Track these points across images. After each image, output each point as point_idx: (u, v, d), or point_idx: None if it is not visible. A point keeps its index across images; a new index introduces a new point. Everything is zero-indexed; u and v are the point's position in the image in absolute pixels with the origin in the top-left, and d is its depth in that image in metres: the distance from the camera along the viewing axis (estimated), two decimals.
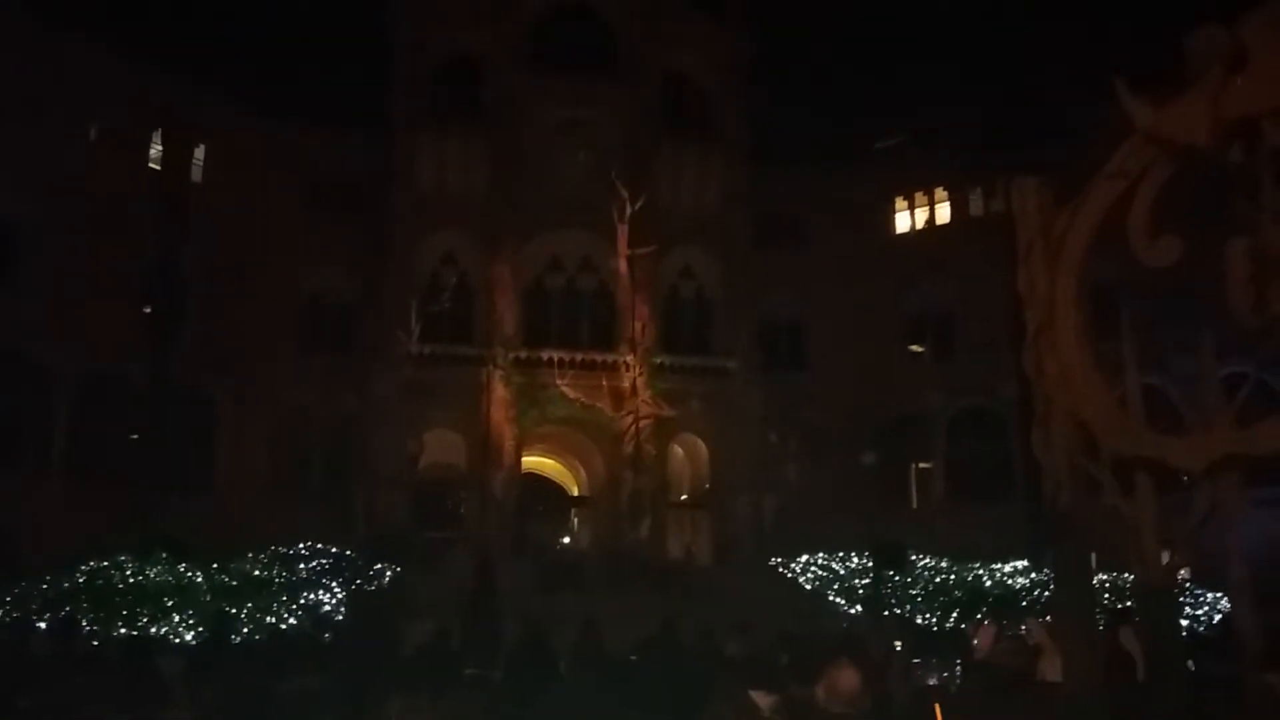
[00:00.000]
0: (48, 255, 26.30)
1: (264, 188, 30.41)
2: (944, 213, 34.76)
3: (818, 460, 33.04)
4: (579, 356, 29.77)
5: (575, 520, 33.05)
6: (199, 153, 30.37)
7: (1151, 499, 5.17)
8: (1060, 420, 5.43)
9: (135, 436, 26.74)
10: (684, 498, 32.26)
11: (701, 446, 31.23)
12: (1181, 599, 19.55)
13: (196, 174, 30.23)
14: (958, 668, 10.18)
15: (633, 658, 10.56)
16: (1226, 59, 4.96)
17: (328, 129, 31.51)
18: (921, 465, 33.39)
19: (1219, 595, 19.29)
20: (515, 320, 29.96)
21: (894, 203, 35.32)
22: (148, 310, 27.94)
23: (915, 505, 33.27)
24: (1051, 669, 5.07)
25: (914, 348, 34.49)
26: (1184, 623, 18.86)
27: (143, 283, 27.94)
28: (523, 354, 29.33)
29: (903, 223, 35.37)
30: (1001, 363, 25.51)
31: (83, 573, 18.57)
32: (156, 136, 29.53)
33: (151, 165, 29.40)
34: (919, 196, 35.14)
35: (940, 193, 34.78)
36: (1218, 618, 19.12)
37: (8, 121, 25.63)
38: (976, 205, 33.82)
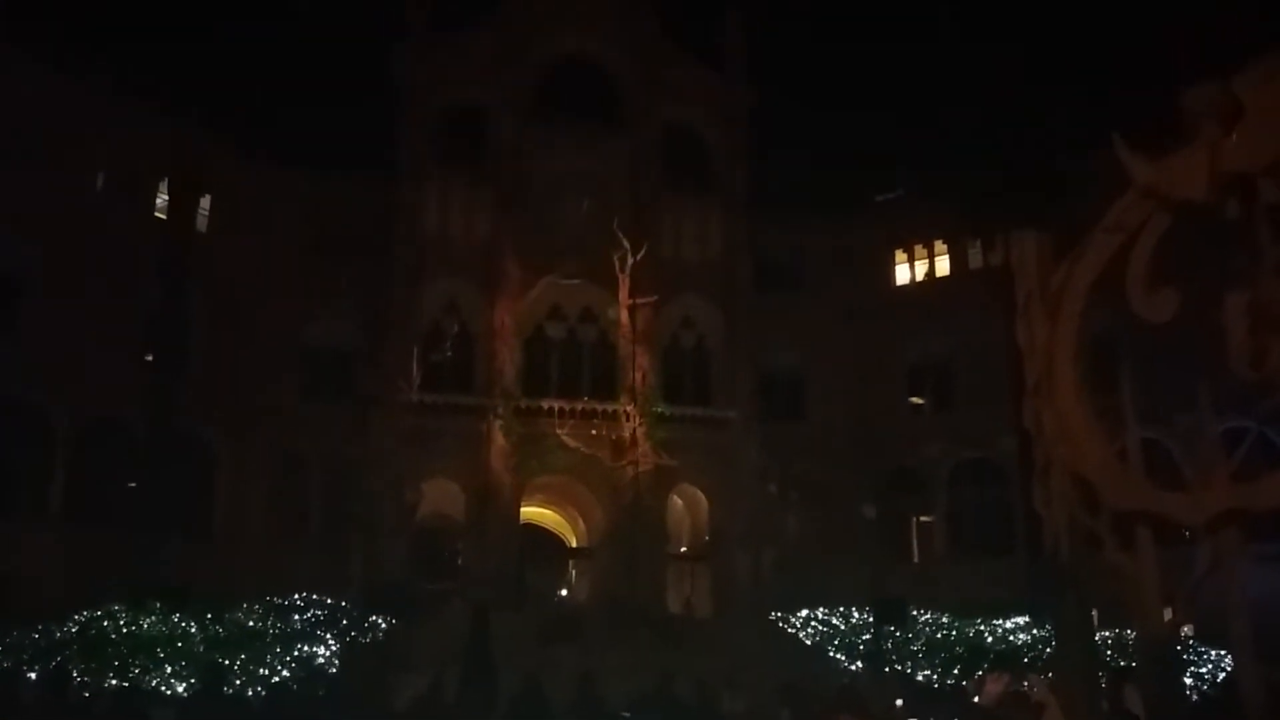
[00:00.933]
0: (50, 301, 26.39)
1: (268, 235, 30.59)
2: (943, 265, 34.96)
3: (817, 511, 32.88)
4: (579, 406, 29.79)
5: (574, 572, 32.81)
6: (205, 202, 30.58)
7: (1152, 554, 5.13)
8: (1060, 474, 5.40)
9: (133, 484, 26.62)
10: (683, 549, 32.05)
11: (701, 498, 31.09)
12: (1185, 656, 19.34)
13: (201, 223, 30.41)
14: None
15: (625, 715, 10.42)
16: (1223, 115, 5.02)
17: (333, 177, 31.79)
18: (922, 518, 33.21)
19: (1222, 653, 19.07)
20: (515, 369, 30.00)
21: (894, 254, 35.53)
22: (149, 358, 27.95)
23: (916, 559, 33.06)
24: None
25: (914, 399, 34.47)
26: (1187, 680, 18.64)
27: (145, 330, 28.02)
28: (523, 403, 29.32)
29: (902, 274, 35.54)
30: (1001, 414, 25.48)
31: (75, 622, 18.40)
32: (163, 186, 29.77)
33: (157, 214, 29.61)
34: (918, 248, 35.36)
35: (939, 245, 35.00)
36: (1221, 675, 18.88)
37: (14, 168, 25.87)
38: (975, 258, 34.03)
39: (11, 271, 26.36)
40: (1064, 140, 28.52)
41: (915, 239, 35.24)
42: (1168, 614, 5.30)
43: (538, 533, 33.06)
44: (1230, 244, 5.16)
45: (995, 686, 8.42)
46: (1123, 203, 5.43)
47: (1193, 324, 5.11)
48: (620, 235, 30.10)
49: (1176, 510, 5.03)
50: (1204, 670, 19.73)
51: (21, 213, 25.72)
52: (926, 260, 35.30)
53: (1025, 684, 8.08)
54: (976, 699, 9.20)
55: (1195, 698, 16.10)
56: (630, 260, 30.29)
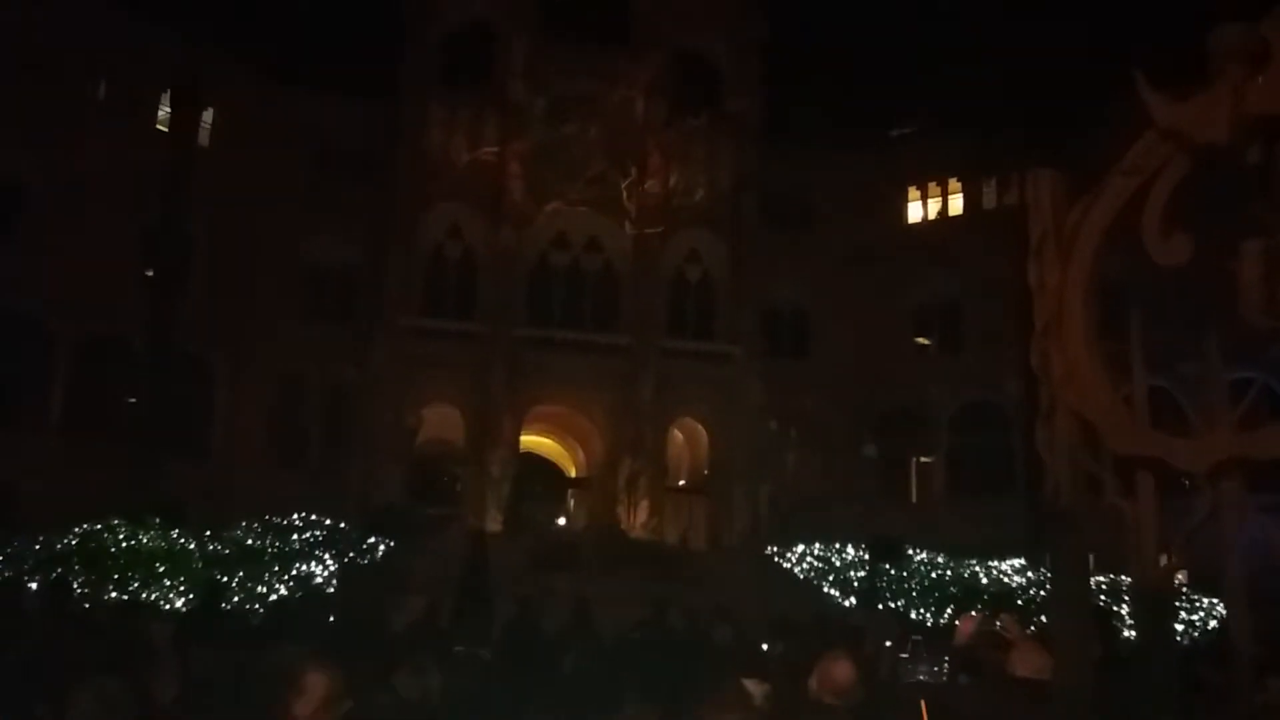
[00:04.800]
0: (51, 215, 26.24)
1: (271, 153, 30.17)
2: (957, 204, 34.58)
3: (818, 450, 32.94)
4: (582, 336, 29.71)
5: (571, 501, 33.02)
6: (207, 115, 30.17)
7: (1153, 500, 5.11)
8: (1064, 418, 5.36)
9: (133, 400, 26.69)
10: (681, 483, 32.23)
11: (701, 432, 31.17)
12: (1177, 602, 19.51)
13: (204, 137, 30.03)
14: (948, 663, 10.16)
15: (635, 635, 10.54)
16: (1249, 56, 4.87)
17: (338, 95, 31.29)
18: (923, 459, 33.30)
19: (1215, 600, 19.24)
20: (518, 297, 29.87)
21: (906, 192, 35.10)
22: (149, 273, 27.82)
23: (914, 499, 33.22)
24: (1022, 664, 5.06)
25: (920, 340, 34.36)
26: (1179, 627, 18.82)
27: (145, 245, 27.82)
28: (525, 331, 29.25)
29: (914, 212, 35.17)
30: (1007, 358, 25.45)
31: (76, 535, 18.57)
32: (165, 98, 29.38)
33: (159, 127, 29.25)
34: (932, 186, 34.93)
35: (954, 183, 34.56)
36: (1213, 623, 19.08)
37: (15, 79, 25.53)
38: (989, 198, 33.63)
39: (12, 182, 26.16)
40: (1086, 79, 28.00)
41: (929, 177, 34.78)
42: (1163, 560, 5.29)
43: (537, 461, 33.21)
44: (1250, 190, 5.04)
45: (967, 625, 8.54)
46: (1142, 144, 5.30)
47: (1204, 271, 5.02)
48: (628, 163, 29.71)
49: (1179, 457, 4.99)
50: (1195, 618, 19.93)
51: (22, 122, 25.43)
52: (940, 199, 34.90)
53: (998, 624, 8.17)
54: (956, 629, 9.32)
55: (1186, 643, 16.28)
56: (638, 189, 29.95)
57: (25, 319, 25.88)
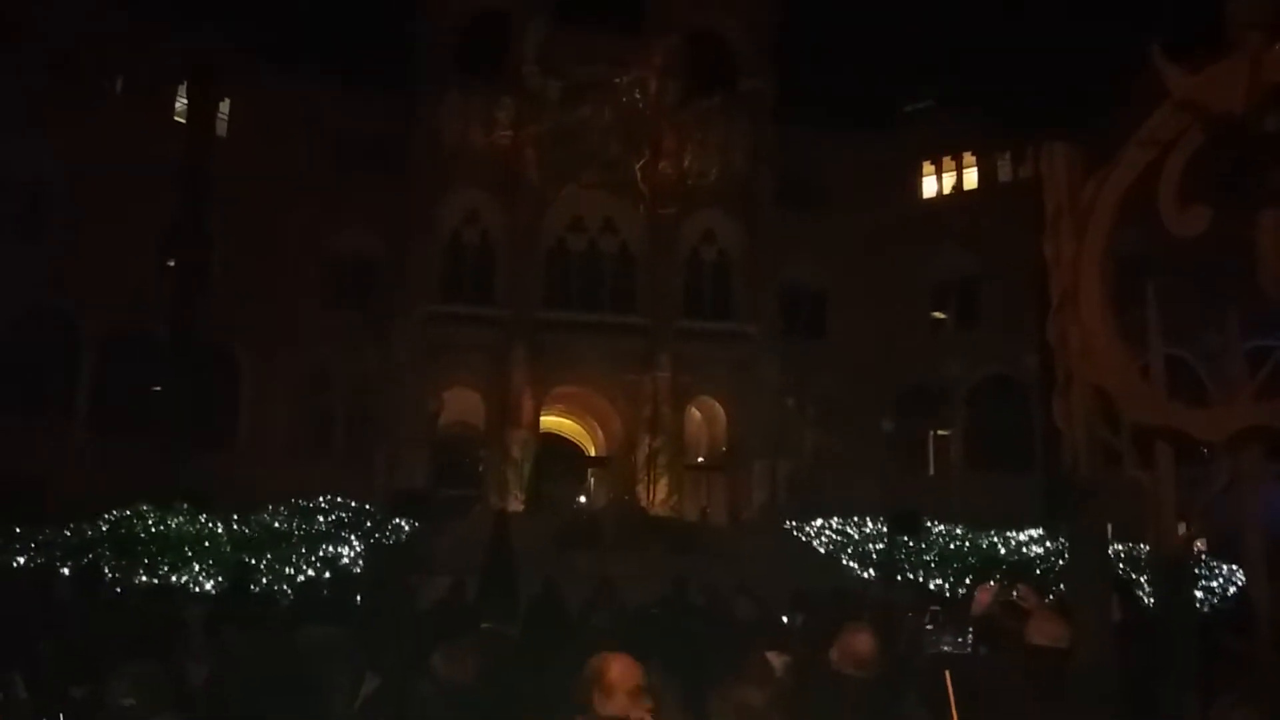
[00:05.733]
0: (72, 209, 26.51)
1: (289, 143, 30.33)
2: (971, 178, 34.39)
3: (835, 426, 32.95)
4: (599, 318, 29.81)
5: (592, 481, 33.21)
6: (224, 107, 30.29)
7: (1171, 470, 5.15)
8: (1082, 390, 5.40)
9: (158, 389, 26.98)
10: (700, 460, 32.34)
11: (719, 410, 31.25)
12: (1196, 570, 19.50)
13: (222, 129, 30.15)
14: (970, 633, 10.23)
15: (656, 610, 10.64)
16: (1267, 25, 4.87)
17: (354, 85, 31.41)
18: (940, 432, 33.29)
19: (1234, 568, 19.23)
20: (536, 280, 29.98)
21: (921, 167, 34.92)
22: (171, 264, 28.06)
23: (932, 472, 33.24)
24: (1040, 633, 5.13)
25: (936, 315, 34.26)
26: (1198, 594, 18.83)
27: (167, 237, 28.04)
28: (543, 314, 29.36)
29: (929, 188, 35.02)
30: (1024, 332, 25.35)
31: (106, 521, 18.85)
32: (182, 90, 29.50)
33: (177, 119, 29.39)
34: (946, 161, 34.74)
35: (968, 158, 34.37)
36: (1232, 590, 19.07)
37: (35, 75, 25.70)
38: (1005, 171, 33.43)
39: (35, 178, 26.44)
40: (1101, 51, 27.77)
41: (943, 151, 34.58)
42: (1182, 529, 5.33)
43: (557, 442, 33.39)
44: (1267, 160, 5.05)
45: (985, 596, 8.56)
46: (1158, 115, 5.31)
47: (1220, 242, 5.04)
48: (643, 145, 29.71)
49: (1197, 427, 5.03)
50: (1214, 585, 19.92)
51: (42, 122, 25.63)
52: (954, 173, 34.72)
53: (1015, 593, 8.20)
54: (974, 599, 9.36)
55: (1205, 611, 16.28)
56: (653, 171, 29.95)
57: (52, 315, 26.27)
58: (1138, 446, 5.32)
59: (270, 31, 30.65)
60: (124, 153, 26.40)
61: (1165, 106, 5.21)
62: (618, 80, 30.66)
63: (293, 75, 30.34)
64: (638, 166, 29.98)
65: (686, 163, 30.83)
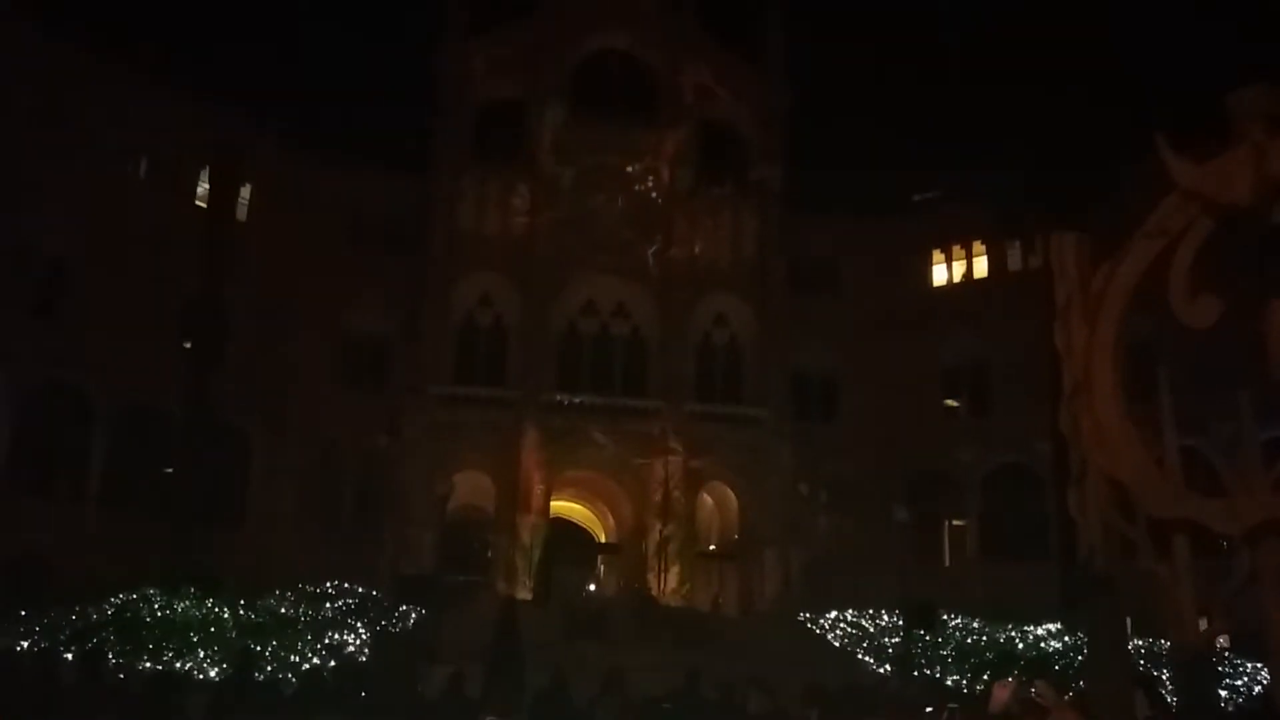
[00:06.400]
0: (92, 288, 26.90)
1: (307, 226, 30.86)
2: (982, 266, 34.60)
3: (848, 514, 32.67)
4: (611, 402, 29.83)
5: (602, 568, 32.85)
6: (245, 191, 30.88)
7: (1189, 563, 5.05)
8: (1096, 480, 5.33)
9: (169, 470, 26.99)
10: (712, 548, 32.00)
11: (731, 496, 31.03)
12: (1220, 668, 19.04)
13: (242, 212, 30.72)
14: None
15: (667, 704, 10.42)
16: (1269, 118, 4.93)
17: (371, 169, 32.07)
18: (955, 522, 32.92)
19: (1259, 665, 18.77)
20: (548, 363, 30.10)
21: (931, 255, 35.19)
22: (187, 345, 28.30)
23: (948, 562, 32.77)
24: None
25: (949, 402, 34.16)
26: (1222, 692, 18.36)
27: (184, 318, 28.37)
28: (555, 398, 29.40)
29: (939, 275, 35.22)
30: (1037, 419, 25.20)
31: (111, 605, 18.66)
32: (204, 175, 30.12)
33: (198, 202, 29.95)
34: (956, 249, 35.02)
35: (978, 246, 34.63)
36: (1257, 689, 18.58)
37: (60, 155, 26.30)
38: (1015, 260, 33.64)
39: (56, 254, 26.87)
40: (1107, 142, 28.16)
41: (953, 240, 34.90)
42: (1203, 624, 5.21)
43: (567, 527, 33.14)
44: (1274, 250, 5.07)
45: (1002, 693, 8.37)
46: (1165, 206, 5.34)
47: (1234, 331, 5.03)
48: (655, 230, 30.10)
49: (1215, 519, 4.94)
50: (1239, 683, 19.42)
51: (66, 196, 26.17)
52: (964, 261, 34.96)
53: (1033, 690, 8.01)
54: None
55: (1230, 709, 15.87)
56: (665, 256, 30.29)
57: (67, 391, 26.43)
58: (1155, 539, 5.23)
59: (292, 115, 31.35)
60: (145, 232, 26.92)
61: (1172, 198, 5.24)
62: (630, 168, 31.26)
63: (312, 158, 31.02)
64: (650, 252, 30.35)
65: (698, 248, 31.21)
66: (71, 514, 25.83)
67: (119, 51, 27.63)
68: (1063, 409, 5.59)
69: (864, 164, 36.18)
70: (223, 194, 29.49)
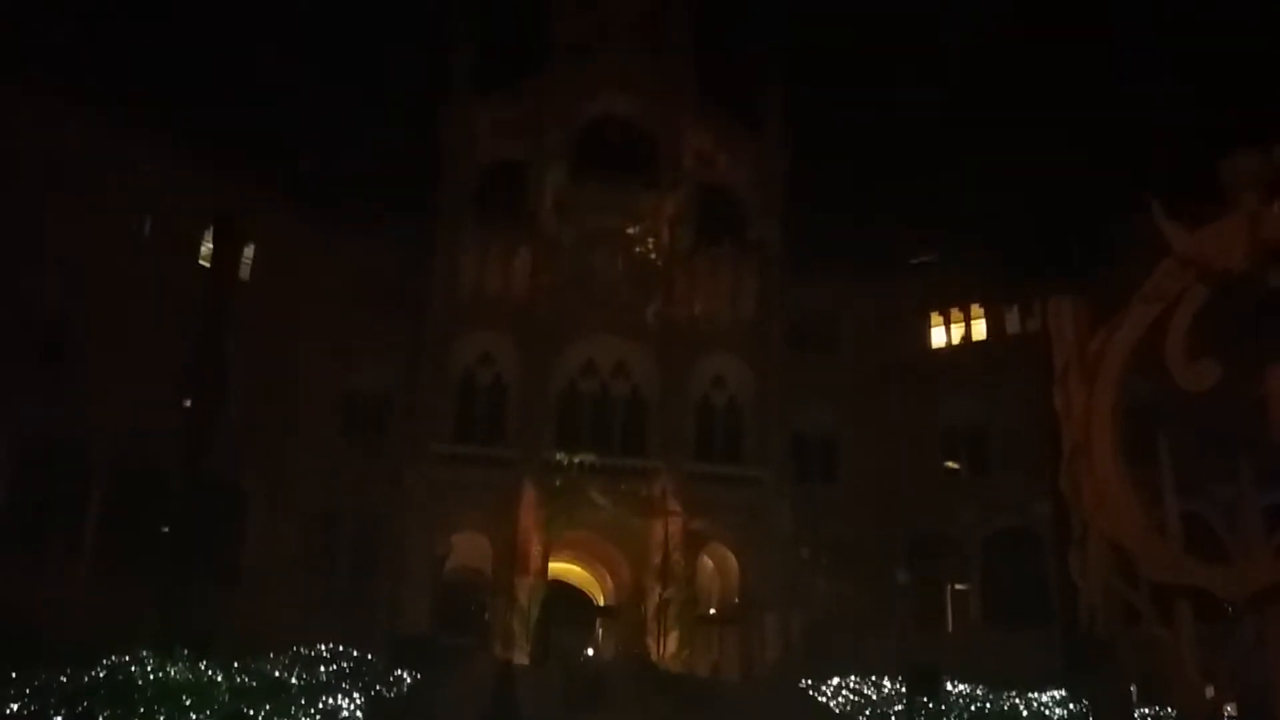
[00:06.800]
0: (94, 344, 26.92)
1: (309, 285, 31.07)
2: (980, 329, 34.73)
3: (850, 577, 32.36)
4: (610, 462, 29.71)
5: (600, 631, 32.48)
6: (248, 251, 31.09)
7: (1192, 629, 5.00)
8: (1097, 544, 5.30)
9: (166, 529, 26.80)
10: (712, 611, 31.65)
11: (731, 559, 30.78)
12: None
13: (245, 272, 30.90)
14: None
15: None
16: (1263, 184, 4.99)
17: (374, 229, 32.25)
18: (957, 585, 32.63)
19: None
20: (548, 422, 30.05)
21: (929, 317, 35.35)
22: (187, 403, 28.27)
23: (950, 627, 32.41)
24: None
25: (949, 464, 34.05)
26: None
27: (184, 377, 28.37)
28: (554, 457, 29.30)
29: (938, 337, 35.34)
30: (1038, 481, 25.11)
31: (103, 667, 18.40)
32: (208, 235, 30.33)
33: (201, 262, 30.13)
34: (954, 311, 35.18)
35: (976, 308, 34.81)
36: None
37: (65, 212, 26.53)
38: (1013, 322, 33.79)
39: (58, 311, 26.92)
40: (1103, 206, 28.45)
41: (951, 302, 35.09)
42: (1209, 691, 5.15)
43: (565, 590, 32.82)
44: (1271, 314, 5.10)
45: None
46: (1161, 271, 5.38)
47: (1234, 394, 5.04)
48: (654, 291, 30.28)
49: (1218, 585, 4.90)
50: None
51: (70, 255, 26.35)
52: (963, 323, 35.10)
53: None
54: None
55: None
56: (664, 316, 30.43)
57: (64, 448, 26.34)
58: (1157, 603, 5.18)
59: (296, 176, 31.62)
60: (148, 292, 27.08)
61: (1167, 262, 5.29)
62: (631, 229, 31.57)
63: (315, 217, 31.29)
64: (650, 311, 30.49)
65: (697, 308, 31.37)
66: (65, 573, 25.57)
67: (125, 110, 27.94)
68: (1063, 472, 5.58)
69: (862, 224, 36.47)
70: (226, 253, 29.71)
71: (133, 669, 18.36)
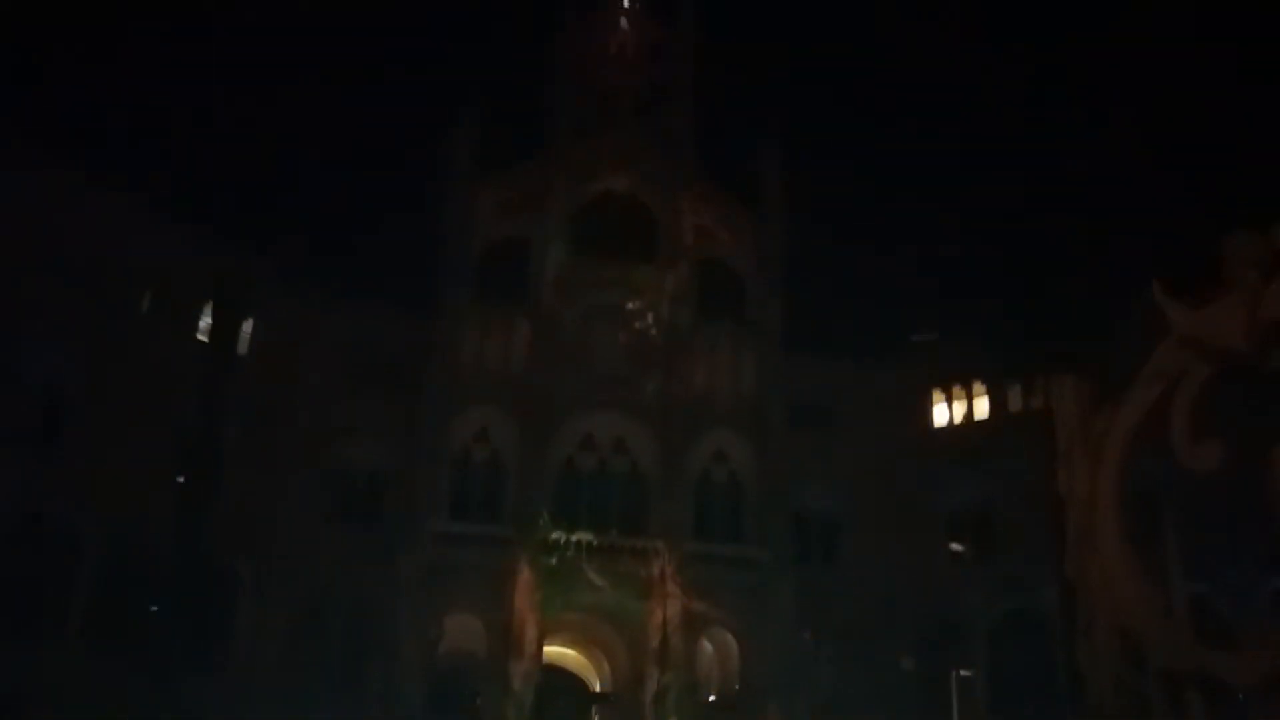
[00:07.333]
0: (88, 418, 26.69)
1: (307, 361, 31.00)
2: (982, 407, 34.54)
3: (854, 662, 31.63)
4: (608, 541, 29.28)
5: (596, 718, 31.72)
6: (247, 325, 31.09)
7: (1204, 717, 4.84)
8: (1104, 630, 5.16)
9: (155, 609, 26.30)
10: (712, 698, 30.89)
11: (732, 643, 30.16)
12: None
13: (242, 346, 30.85)
14: None
15: None
16: (1263, 263, 4.96)
17: (373, 303, 32.30)
18: (963, 672, 31.89)
19: None
20: (545, 500, 29.73)
21: (931, 395, 35.20)
22: (181, 479, 28.00)
23: (956, 716, 31.61)
24: None
25: (953, 545, 33.57)
26: None
27: (179, 452, 28.12)
28: (551, 535, 28.88)
29: (940, 415, 35.14)
30: (1044, 563, 24.76)
31: None
32: (207, 309, 30.37)
33: (199, 336, 30.09)
34: (956, 390, 35.03)
35: (978, 387, 34.68)
36: None
37: (64, 286, 26.55)
38: (1015, 401, 33.63)
39: (54, 386, 26.75)
40: (1104, 285, 28.57)
41: (953, 381, 34.96)
42: None
43: (560, 674, 32.11)
44: (1277, 396, 5.03)
45: None
46: (1162, 350, 5.33)
47: (1241, 475, 4.94)
48: (654, 369, 30.26)
49: (1228, 671, 4.75)
50: None
51: (67, 327, 26.31)
52: (965, 401, 34.93)
53: None
54: None
55: None
56: (664, 394, 30.35)
57: (55, 524, 25.93)
58: (1167, 690, 5.02)
59: (295, 251, 31.77)
60: (145, 367, 27.00)
61: (1169, 342, 5.25)
62: (631, 305, 31.67)
63: (314, 292, 31.33)
64: (649, 388, 30.41)
65: (697, 385, 31.36)
66: (51, 653, 24.94)
67: (125, 184, 28.19)
68: (1069, 555, 5.47)
69: (863, 301, 36.63)
70: (224, 328, 29.70)
71: None
